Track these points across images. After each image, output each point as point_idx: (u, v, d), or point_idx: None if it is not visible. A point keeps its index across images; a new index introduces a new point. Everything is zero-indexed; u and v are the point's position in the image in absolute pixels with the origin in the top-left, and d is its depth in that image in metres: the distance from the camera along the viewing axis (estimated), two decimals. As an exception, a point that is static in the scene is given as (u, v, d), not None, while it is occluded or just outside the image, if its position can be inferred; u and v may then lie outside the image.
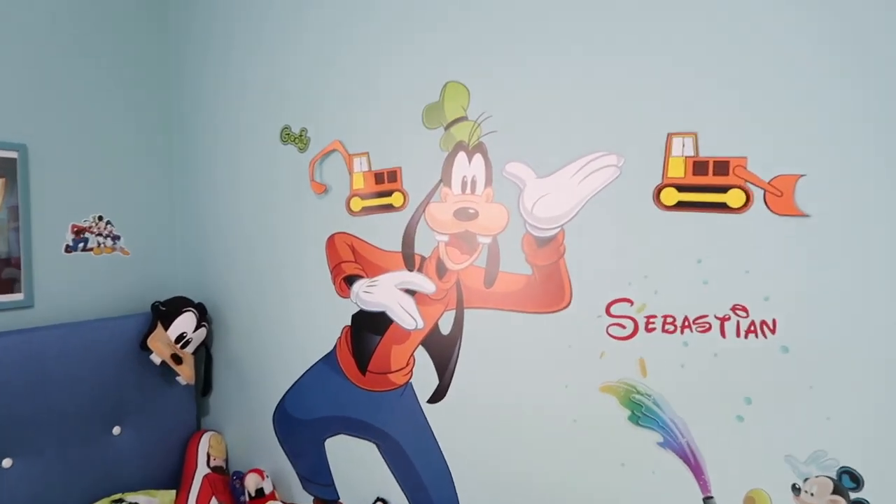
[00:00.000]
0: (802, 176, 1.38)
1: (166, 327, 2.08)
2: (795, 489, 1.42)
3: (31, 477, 1.77)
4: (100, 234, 2.10)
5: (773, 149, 1.40)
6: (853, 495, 1.36)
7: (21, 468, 1.76)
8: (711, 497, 1.51)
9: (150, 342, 2.03)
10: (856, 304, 1.34)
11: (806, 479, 1.41)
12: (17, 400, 1.75)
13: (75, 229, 2.03)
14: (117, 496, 1.93)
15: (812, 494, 1.40)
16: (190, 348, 2.13)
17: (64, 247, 2.01)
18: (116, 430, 2.00)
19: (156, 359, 2.03)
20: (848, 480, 1.36)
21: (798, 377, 1.40)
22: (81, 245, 2.05)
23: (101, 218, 2.10)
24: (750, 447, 1.46)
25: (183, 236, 2.35)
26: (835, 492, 1.38)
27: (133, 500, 1.92)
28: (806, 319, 1.39)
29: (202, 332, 2.16)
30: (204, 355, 2.27)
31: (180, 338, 2.09)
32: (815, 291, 1.37)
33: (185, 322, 2.11)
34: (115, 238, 2.14)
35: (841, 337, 1.36)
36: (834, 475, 1.38)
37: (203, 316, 2.18)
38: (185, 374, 2.08)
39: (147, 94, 2.26)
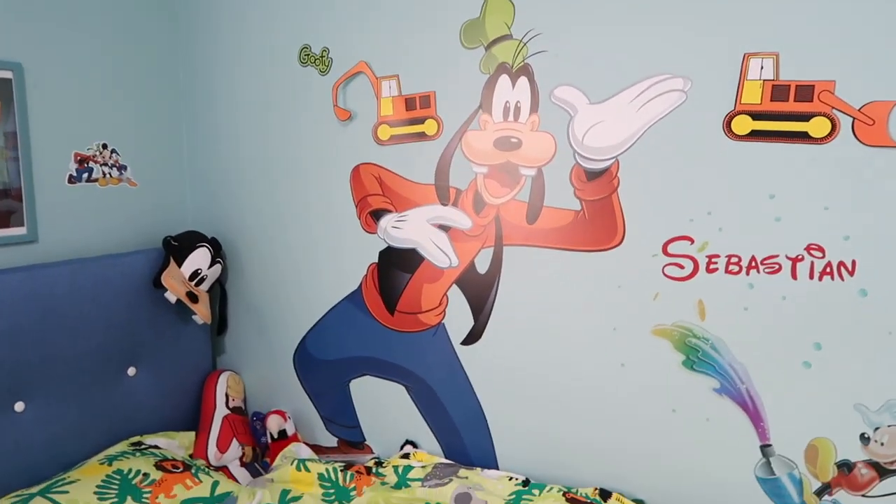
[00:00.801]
0: (897, 103, 1.25)
1: (179, 264, 1.96)
2: (864, 438, 1.35)
3: (46, 421, 1.68)
4: (105, 164, 1.94)
5: (865, 72, 1.27)
6: (928, 446, 1.29)
7: (34, 412, 1.66)
8: (770, 445, 1.44)
9: (164, 279, 1.90)
10: (946, 245, 1.23)
11: (877, 429, 1.33)
12: (25, 341, 1.63)
13: (79, 158, 1.87)
14: (136, 438, 1.84)
15: (882, 444, 1.33)
16: (205, 286, 2.01)
17: (67, 177, 1.85)
18: (131, 371, 1.90)
19: (171, 297, 1.90)
20: (923, 431, 1.29)
21: (876, 322, 1.31)
22: (86, 175, 1.89)
23: (105, 146, 1.93)
24: (816, 394, 1.38)
25: (193, 167, 2.19)
26: (908, 442, 1.31)
27: (152, 443, 1.83)
28: (889, 261, 1.29)
29: (217, 268, 2.04)
30: (218, 293, 2.15)
31: (194, 275, 1.97)
32: (902, 231, 1.27)
33: (200, 258, 1.98)
34: (122, 168, 1.98)
35: (927, 280, 1.26)
36: (909, 425, 1.30)
37: (217, 252, 2.05)
38: (202, 312, 1.97)
39: (154, 10, 2.05)
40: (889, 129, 1.26)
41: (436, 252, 1.77)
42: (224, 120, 2.10)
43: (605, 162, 1.53)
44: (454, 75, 1.69)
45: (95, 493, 1.55)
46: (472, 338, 1.76)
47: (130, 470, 1.64)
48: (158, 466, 1.67)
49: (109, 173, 1.96)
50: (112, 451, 1.76)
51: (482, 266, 1.72)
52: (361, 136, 1.84)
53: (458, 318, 1.77)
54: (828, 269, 1.34)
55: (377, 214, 1.85)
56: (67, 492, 1.54)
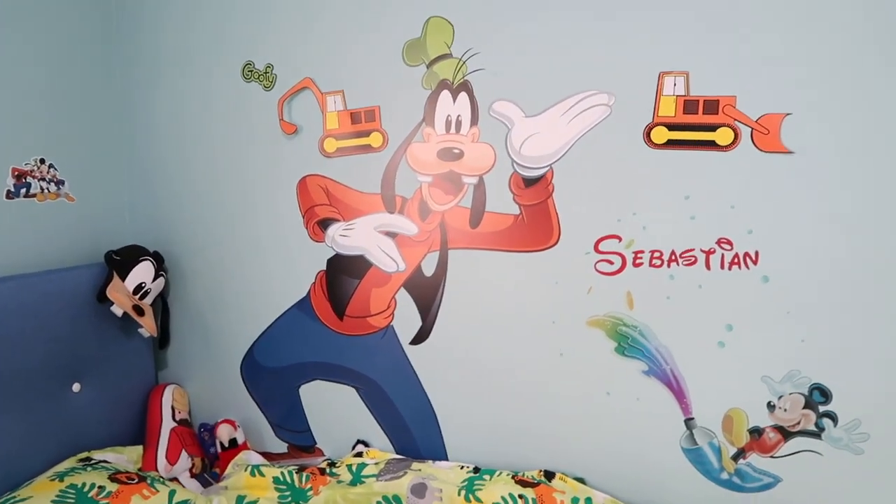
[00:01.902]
0: (788, 115, 1.46)
1: (123, 278, 1.96)
2: (770, 406, 1.54)
3: (-11, 437, 1.65)
4: (42, 179, 1.92)
5: (760, 88, 1.47)
6: (822, 408, 1.50)
7: (-24, 430, 1.63)
8: (692, 418, 1.61)
9: (110, 293, 1.90)
10: (831, 237, 1.45)
11: (780, 397, 1.53)
12: (-34, 357, 1.61)
13: (16, 173, 1.85)
14: (84, 454, 1.82)
15: (785, 410, 1.53)
16: (148, 299, 2.01)
17: (5, 192, 1.82)
18: (76, 386, 1.88)
19: (117, 310, 1.90)
20: (818, 395, 1.50)
21: (776, 304, 1.51)
22: (24, 191, 1.87)
23: (43, 161, 1.91)
24: (729, 370, 1.57)
25: (134, 182, 2.18)
26: (806, 406, 1.51)
27: (101, 458, 1.82)
28: (786, 251, 1.49)
29: (160, 281, 2.05)
30: (160, 307, 2.15)
31: (138, 288, 1.97)
32: (796, 224, 1.47)
33: (143, 272, 1.99)
34: (60, 183, 1.96)
35: (817, 266, 1.47)
36: (806, 391, 1.51)
37: (160, 265, 2.06)
38: (148, 325, 1.97)
39: (91, 23, 2.05)
40: (781, 138, 1.47)
41: (383, 258, 1.87)
42: (166, 134, 2.12)
43: (541, 170, 1.68)
44: (398, 91, 1.80)
45: (51, 507, 1.54)
46: (421, 337, 1.86)
47: (84, 484, 1.63)
48: (113, 479, 1.67)
49: (48, 188, 1.94)
50: (61, 467, 1.74)
51: (428, 269, 1.83)
52: (307, 149, 1.92)
53: (407, 320, 1.87)
54: (735, 260, 1.54)
55: (325, 224, 1.93)
56: (21, 509, 1.52)
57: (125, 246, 2.04)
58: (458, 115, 1.75)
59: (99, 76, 2.09)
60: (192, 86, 2.06)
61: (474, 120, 1.73)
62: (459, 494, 1.63)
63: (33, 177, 1.90)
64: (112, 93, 2.13)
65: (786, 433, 1.53)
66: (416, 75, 1.77)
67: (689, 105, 1.54)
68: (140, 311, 1.95)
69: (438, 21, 1.73)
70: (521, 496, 1.60)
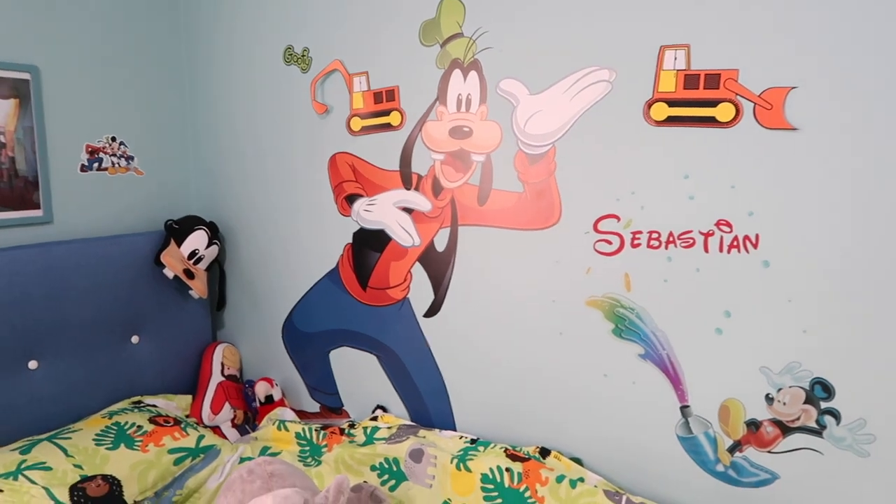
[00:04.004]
0: (793, 89, 1.36)
1: (179, 244, 2.17)
2: (769, 399, 1.46)
3: (56, 379, 1.91)
4: (114, 155, 2.17)
5: (764, 61, 1.38)
6: (824, 405, 1.40)
7: (46, 370, 1.89)
8: (688, 406, 1.56)
9: (164, 257, 2.12)
10: (837, 220, 1.34)
11: (779, 390, 1.44)
12: (39, 308, 1.87)
13: (90, 149, 2.11)
14: (136, 398, 2.07)
15: (784, 404, 1.44)
16: (202, 265, 2.22)
17: (79, 166, 2.09)
18: (135, 339, 2.13)
19: (168, 273, 2.12)
20: (820, 391, 1.40)
21: (777, 291, 1.42)
22: (96, 165, 2.13)
23: (114, 139, 2.17)
24: (727, 359, 1.49)
25: (195, 158, 2.41)
26: (807, 401, 1.41)
27: (151, 403, 2.05)
28: (788, 234, 1.40)
29: (214, 249, 2.25)
30: (218, 272, 2.36)
31: (193, 254, 2.18)
32: (799, 207, 1.38)
33: (197, 239, 2.20)
34: (129, 158, 2.21)
35: (821, 252, 1.36)
36: (807, 386, 1.41)
37: (215, 234, 2.26)
38: (198, 288, 2.18)
39: (157, 15, 2.28)
40: (785, 113, 1.37)
41: (401, 232, 1.94)
42: (221, 115, 2.32)
43: (544, 147, 1.67)
44: (415, 71, 1.85)
45: (94, 439, 1.77)
46: (433, 311, 1.92)
47: (127, 422, 1.86)
48: (152, 421, 1.89)
49: (118, 163, 2.19)
50: (114, 407, 1.99)
51: (440, 245, 1.88)
52: (337, 128, 2.03)
53: (421, 293, 1.94)
54: (735, 243, 1.46)
55: (351, 199, 2.03)
56: (70, 438, 1.76)
57: (184, 216, 2.26)
58: (469, 94, 1.77)
59: (163, 64, 2.31)
60: (240, 73, 2.24)
61: (483, 98, 1.75)
62: (452, 462, 1.68)
63: (105, 152, 2.15)
64: (175, 79, 2.35)
65: (785, 428, 1.45)
66: (430, 55, 1.82)
67: (690, 79, 1.47)
68: (191, 274, 2.16)
69: (451, 1, 1.76)
70: (507, 469, 1.63)
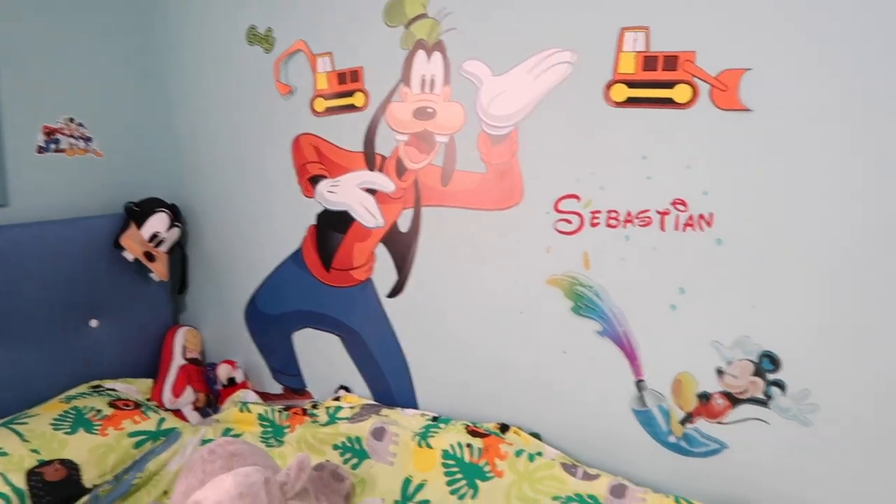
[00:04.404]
0: (748, 70, 1.40)
1: (139, 227, 2.14)
2: (719, 372, 1.51)
3: (12, 363, 1.86)
4: (72, 136, 2.12)
5: (720, 44, 1.42)
6: (771, 377, 1.45)
7: (2, 355, 1.84)
8: (643, 380, 1.61)
9: (123, 240, 2.09)
10: (786, 200, 1.39)
11: (730, 363, 1.50)
12: (-4, 291, 1.83)
13: (46, 130, 2.06)
14: (95, 383, 2.04)
15: (734, 377, 1.50)
16: (164, 247, 2.19)
17: (36, 148, 2.04)
18: (94, 322, 2.09)
19: (128, 256, 2.09)
20: (767, 363, 1.45)
21: (729, 268, 1.47)
22: (53, 146, 2.08)
23: (72, 120, 2.12)
24: (681, 334, 1.54)
25: (155, 140, 2.36)
26: (755, 374, 1.47)
27: (111, 387, 2.03)
28: (741, 214, 1.45)
29: (175, 231, 2.22)
30: (179, 255, 2.34)
31: (154, 237, 2.16)
32: (751, 186, 1.43)
33: (159, 222, 2.17)
34: (88, 140, 2.17)
35: (770, 230, 1.42)
36: (755, 359, 1.47)
37: (177, 216, 2.24)
38: (159, 271, 2.16)
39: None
40: (740, 95, 1.42)
41: (364, 213, 1.95)
42: (182, 96, 2.28)
43: (507, 128, 1.70)
44: (379, 51, 1.85)
45: (51, 424, 1.74)
46: (396, 291, 1.94)
47: (86, 407, 1.83)
48: (112, 405, 1.87)
49: (76, 144, 2.14)
50: (73, 392, 1.95)
51: (404, 225, 1.89)
52: (301, 109, 2.02)
53: (384, 274, 1.95)
54: (690, 221, 1.51)
55: (315, 180, 2.03)
56: (27, 423, 1.73)
57: (144, 198, 2.23)
58: (433, 75, 1.79)
59: (123, 44, 2.26)
60: (202, 53, 2.20)
61: (447, 79, 1.77)
62: (413, 439, 1.70)
63: (63, 134, 2.10)
64: (135, 59, 2.29)
65: (734, 400, 1.50)
66: (395, 36, 1.82)
67: (649, 61, 1.51)
68: (151, 257, 2.13)
69: (416, -19, 1.77)
70: (468, 445, 1.65)
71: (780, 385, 1.45)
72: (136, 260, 2.12)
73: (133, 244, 2.10)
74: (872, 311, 1.34)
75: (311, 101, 1.99)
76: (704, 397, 1.53)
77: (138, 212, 2.17)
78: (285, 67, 2.03)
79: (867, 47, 1.28)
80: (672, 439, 1.58)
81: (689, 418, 1.56)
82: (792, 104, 1.37)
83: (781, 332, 1.44)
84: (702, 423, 1.54)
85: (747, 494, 1.49)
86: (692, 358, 1.54)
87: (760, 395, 1.47)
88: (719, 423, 1.52)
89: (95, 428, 1.75)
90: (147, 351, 2.25)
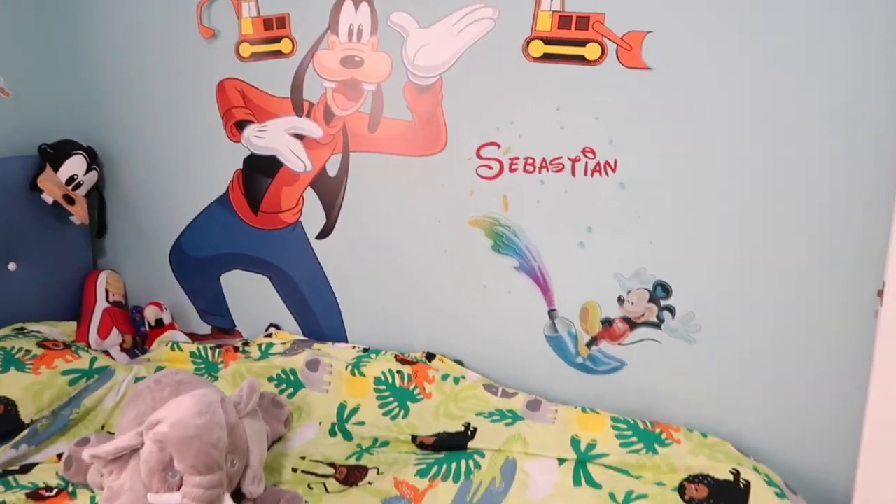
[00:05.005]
0: (649, 33, 1.58)
1: (56, 169, 2.10)
2: (620, 300, 1.73)
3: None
4: (-24, 72, 2.04)
5: (626, 7, 1.58)
6: (663, 303, 1.69)
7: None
8: (555, 310, 1.80)
9: (41, 182, 2.05)
10: (679, 149, 1.59)
11: (629, 292, 1.72)
12: None
13: (-52, 65, 1.97)
14: (18, 325, 2.02)
15: (633, 303, 1.72)
16: (81, 191, 2.16)
17: (-63, 84, 1.95)
18: (12, 266, 2.05)
19: (47, 198, 2.06)
20: (660, 291, 1.68)
21: (630, 209, 1.67)
22: (-44, 82, 2.00)
23: (-24, 55, 2.03)
24: (588, 268, 1.75)
25: (69, 80, 2.28)
26: (650, 300, 1.70)
27: (35, 329, 2.02)
28: (640, 160, 1.64)
29: (93, 175, 2.19)
30: (97, 199, 2.31)
31: (71, 180, 2.12)
32: (651, 136, 1.62)
33: (75, 164, 2.13)
34: (-6, 77, 2.09)
35: (666, 176, 1.62)
36: (650, 287, 1.69)
37: (93, 159, 2.20)
38: (79, 214, 2.13)
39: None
40: (642, 54, 1.59)
41: (292, 158, 2.01)
42: (98, 34, 2.21)
43: (432, 79, 1.81)
44: (306, -1, 1.90)
45: (-20, 365, 1.74)
46: (325, 233, 2.03)
47: (14, 347, 1.83)
48: (40, 345, 1.88)
49: (-19, 82, 2.06)
50: (-5, 334, 1.94)
51: (332, 170, 1.98)
52: (225, 53, 2.03)
53: (313, 217, 2.04)
54: (597, 167, 1.69)
55: (241, 125, 2.06)
56: (-48, 365, 1.72)
57: (58, 140, 2.17)
58: (360, 25, 1.85)
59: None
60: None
61: (374, 30, 1.84)
62: (346, 369, 1.84)
63: (-33, 70, 2.02)
64: (44, -8, 2.21)
65: (632, 324, 1.73)
66: (322, -16, 1.87)
67: (564, 20, 1.65)
68: (71, 200, 2.10)
69: (342, -70, 1.82)
70: (398, 371, 1.81)
71: (670, 310, 1.68)
72: (55, 203, 2.08)
73: (51, 186, 2.06)
74: (749, 245, 1.58)
75: (236, 46, 2.01)
76: (607, 322, 1.75)
77: (53, 154, 2.12)
78: (208, 11, 2.02)
79: (756, 14, 1.47)
80: (579, 360, 1.80)
81: (594, 341, 1.78)
82: (687, 64, 1.56)
83: (672, 265, 1.66)
84: (605, 345, 1.77)
85: (643, 403, 1.74)
86: (597, 288, 1.75)
87: (654, 319, 1.70)
88: (619, 344, 1.75)
89: (27, 367, 1.76)
90: (67, 294, 2.24)
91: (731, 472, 1.48)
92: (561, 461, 1.58)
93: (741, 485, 1.46)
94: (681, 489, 1.48)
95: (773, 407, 1.63)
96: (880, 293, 1.36)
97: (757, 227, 1.56)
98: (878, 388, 1.40)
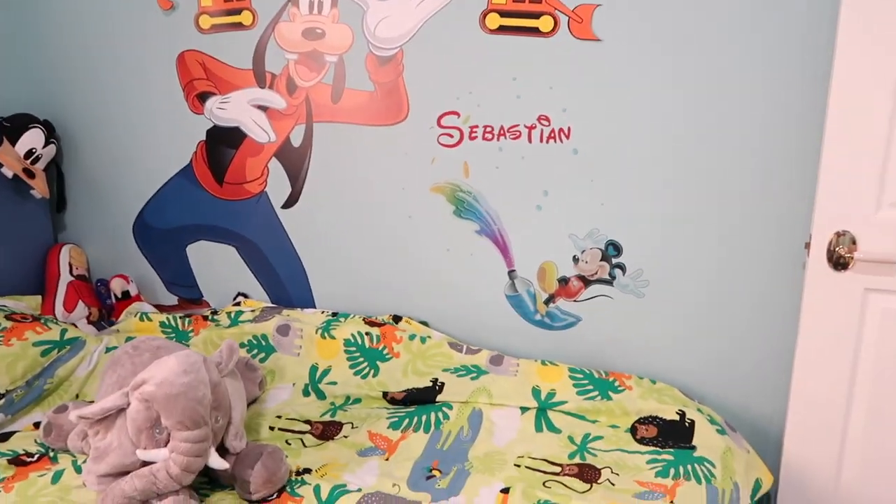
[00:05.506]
0: (598, 6, 1.67)
1: (13, 143, 2.09)
2: (575, 259, 1.85)
3: None
4: (-75, 45, 2.00)
5: (576, -19, 1.68)
6: (615, 261, 1.81)
7: None
8: (514, 270, 1.91)
9: (0, 156, 2.04)
10: (628, 116, 1.71)
11: (583, 251, 1.83)
12: None
13: None
14: (-18, 300, 2.03)
15: (587, 262, 1.84)
16: (40, 164, 2.15)
17: None
18: (-28, 241, 2.06)
19: (7, 172, 2.04)
20: (612, 250, 1.80)
21: (583, 173, 1.78)
22: None
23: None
24: (544, 229, 1.85)
25: (25, 51, 2.25)
26: (602, 259, 1.82)
27: (0, 304, 2.02)
28: (592, 127, 1.75)
29: (51, 148, 2.18)
30: (55, 173, 2.30)
31: (29, 153, 2.11)
32: (601, 104, 1.73)
33: (33, 138, 2.12)
34: (-57, 49, 2.05)
35: (616, 142, 1.73)
36: (602, 246, 1.81)
37: (51, 133, 2.19)
38: (39, 188, 2.13)
39: None
40: (592, 27, 1.69)
41: (256, 129, 2.05)
42: (57, 8, 2.18)
43: (392, 50, 1.87)
44: (266, -30, 1.93)
45: (-51, 338, 1.75)
46: (290, 202, 2.08)
47: (-19, 321, 1.85)
48: (8, 318, 1.89)
49: (-68, 54, 2.02)
50: (-41, 309, 1.94)
51: (296, 140, 2.03)
52: (185, 25, 2.04)
53: (278, 186, 2.08)
54: (552, 135, 1.79)
55: (203, 97, 2.08)
56: (-79, 339, 1.73)
57: (15, 114, 2.15)
58: (321, -3, 1.90)
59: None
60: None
61: (334, 2, 1.89)
62: (317, 332, 1.91)
63: (-84, 43, 1.97)
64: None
65: (586, 281, 1.85)
66: (282, -44, 1.90)
67: (518, -6, 1.73)
68: (31, 174, 2.10)
69: None
70: (367, 333, 1.89)
71: (621, 267, 1.81)
72: (15, 177, 2.07)
73: (10, 160, 2.05)
74: (688, 205, 1.71)
75: (195, 18, 2.02)
76: (563, 281, 1.87)
77: (9, 127, 2.10)
78: (166, -19, 2.03)
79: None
80: (538, 317, 1.92)
81: (551, 299, 1.89)
82: (634, 36, 1.66)
83: (623, 225, 1.79)
84: (561, 303, 1.89)
85: (598, 355, 1.86)
86: (554, 249, 1.86)
87: (606, 277, 1.82)
88: (575, 301, 1.87)
89: (-2, 340, 1.78)
90: (28, 269, 2.23)
91: (677, 413, 1.63)
92: (523, 410, 1.70)
93: (686, 424, 1.60)
94: (633, 430, 1.62)
95: (715, 353, 1.78)
96: (807, 246, 1.51)
97: (693, 187, 1.70)
98: (805, 334, 1.56)
